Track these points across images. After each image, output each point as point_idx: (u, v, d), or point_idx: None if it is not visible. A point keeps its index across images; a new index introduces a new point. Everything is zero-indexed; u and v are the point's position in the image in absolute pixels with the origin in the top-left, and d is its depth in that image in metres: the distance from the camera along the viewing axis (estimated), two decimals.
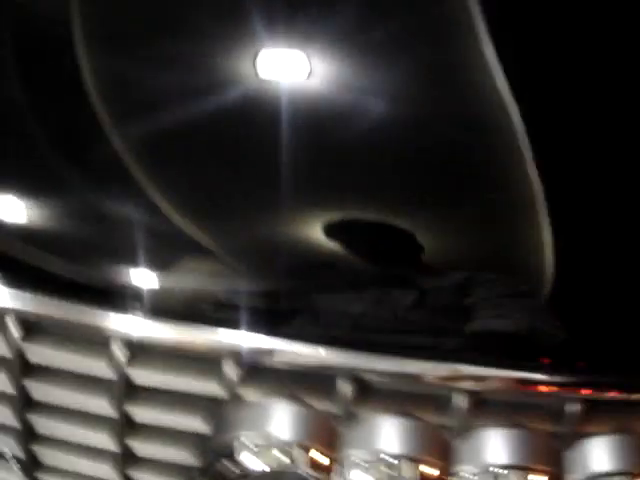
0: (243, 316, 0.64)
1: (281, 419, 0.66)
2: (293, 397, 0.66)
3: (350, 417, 0.66)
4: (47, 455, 0.77)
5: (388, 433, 0.65)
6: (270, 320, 0.65)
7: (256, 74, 0.71)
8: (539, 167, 0.67)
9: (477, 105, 0.70)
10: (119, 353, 0.67)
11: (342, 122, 0.68)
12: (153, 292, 0.65)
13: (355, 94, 0.69)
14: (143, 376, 0.69)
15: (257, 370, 0.67)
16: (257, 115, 0.68)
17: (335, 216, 0.66)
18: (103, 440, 0.73)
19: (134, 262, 0.65)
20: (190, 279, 0.65)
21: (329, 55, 0.71)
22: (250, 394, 0.67)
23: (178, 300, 0.66)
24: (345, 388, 0.65)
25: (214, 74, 0.71)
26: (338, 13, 0.72)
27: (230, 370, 0.66)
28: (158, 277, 0.65)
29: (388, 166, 0.67)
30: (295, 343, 0.65)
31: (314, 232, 0.65)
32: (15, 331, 0.68)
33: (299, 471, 0.64)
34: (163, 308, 0.66)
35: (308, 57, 0.70)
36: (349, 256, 0.65)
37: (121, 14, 0.77)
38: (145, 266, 0.65)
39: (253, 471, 0.65)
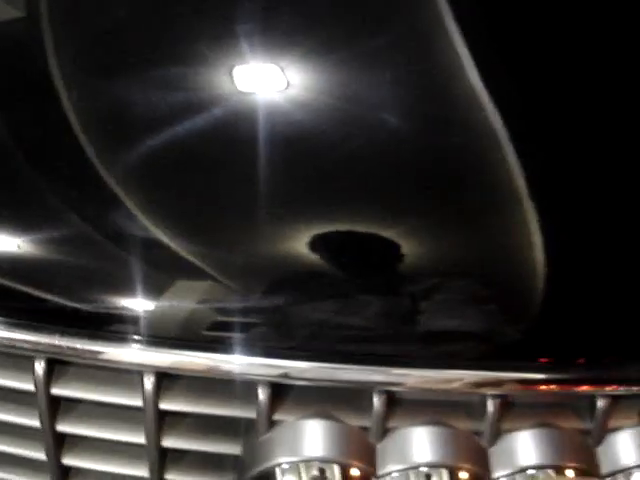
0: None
1: (316, 439, 0.62)
2: (325, 415, 0.63)
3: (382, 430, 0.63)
4: None
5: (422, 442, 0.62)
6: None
7: (234, 88, 0.71)
8: (505, 172, 0.66)
9: (453, 111, 0.70)
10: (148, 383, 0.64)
11: (318, 134, 0.68)
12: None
13: (333, 105, 0.69)
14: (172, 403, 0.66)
15: (288, 391, 0.64)
16: (235, 131, 0.68)
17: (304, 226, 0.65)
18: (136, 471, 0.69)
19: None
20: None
21: (305, 67, 0.71)
22: (282, 415, 0.64)
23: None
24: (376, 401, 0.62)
25: (192, 90, 0.70)
26: (314, 25, 0.74)
27: (261, 392, 0.63)
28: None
29: (351, 172, 0.66)
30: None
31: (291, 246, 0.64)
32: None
33: None
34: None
35: (283, 70, 0.70)
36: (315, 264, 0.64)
37: (99, 32, 0.76)
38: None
39: None
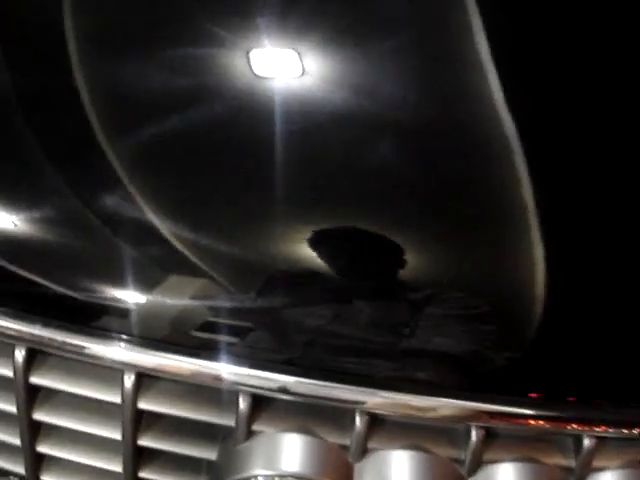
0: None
1: (294, 453, 0.61)
2: (305, 430, 0.62)
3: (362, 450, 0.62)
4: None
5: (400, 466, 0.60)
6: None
7: (251, 73, 0.68)
8: (512, 187, 0.64)
9: (468, 114, 0.67)
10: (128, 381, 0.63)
11: (326, 134, 0.66)
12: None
13: (347, 95, 0.67)
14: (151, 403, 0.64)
15: (268, 402, 0.63)
16: (242, 122, 0.66)
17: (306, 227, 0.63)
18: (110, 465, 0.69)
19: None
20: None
21: (322, 54, 0.69)
22: (261, 426, 0.63)
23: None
24: (358, 421, 0.61)
25: (207, 75, 0.69)
26: (332, 12, 0.71)
27: (242, 401, 0.61)
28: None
29: (357, 175, 0.65)
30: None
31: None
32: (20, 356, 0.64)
33: None
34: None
35: (301, 56, 0.68)
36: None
37: (114, 16, 0.74)
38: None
39: None
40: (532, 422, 0.59)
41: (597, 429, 0.60)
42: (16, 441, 0.69)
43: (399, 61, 0.69)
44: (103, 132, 0.67)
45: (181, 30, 0.72)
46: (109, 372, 0.64)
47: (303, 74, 0.68)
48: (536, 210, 0.63)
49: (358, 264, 0.62)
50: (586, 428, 0.60)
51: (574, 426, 0.60)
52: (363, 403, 0.59)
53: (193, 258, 0.62)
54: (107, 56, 0.72)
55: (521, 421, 0.59)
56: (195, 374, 0.61)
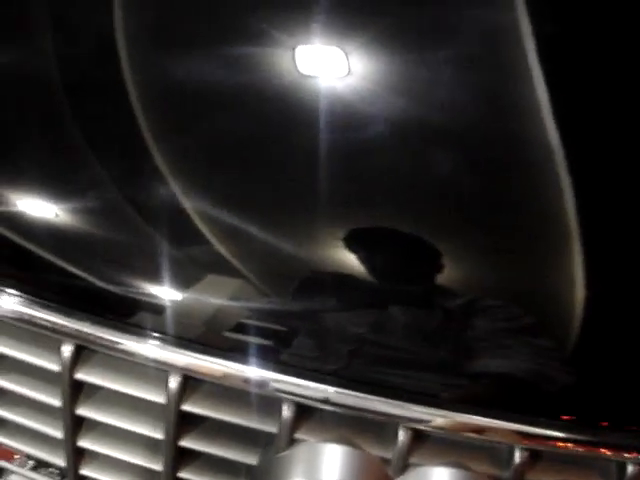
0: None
1: (335, 464, 0.60)
2: (347, 441, 0.61)
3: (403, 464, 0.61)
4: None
5: None
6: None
7: (296, 70, 0.68)
8: (575, 199, 0.63)
9: (517, 121, 0.67)
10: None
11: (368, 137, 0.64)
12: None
13: (396, 98, 0.67)
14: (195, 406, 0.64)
15: (312, 410, 0.62)
16: (285, 121, 0.66)
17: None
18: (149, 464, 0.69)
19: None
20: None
21: (368, 54, 0.68)
22: (303, 435, 0.62)
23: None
24: (401, 435, 0.60)
25: (252, 70, 0.68)
26: (379, 13, 0.70)
27: (286, 410, 0.61)
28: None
29: (403, 177, 0.64)
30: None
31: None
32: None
33: None
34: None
35: (347, 55, 0.67)
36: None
37: (165, 11, 0.75)
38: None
39: None
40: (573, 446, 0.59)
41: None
42: (58, 434, 0.70)
43: (450, 67, 0.69)
44: (150, 126, 0.67)
45: (231, 27, 0.72)
46: (154, 372, 0.64)
47: (350, 74, 0.67)
48: (586, 223, 0.62)
49: (404, 270, 0.62)
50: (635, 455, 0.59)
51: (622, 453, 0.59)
52: (408, 418, 0.59)
53: (236, 261, 0.62)
54: (156, 50, 0.73)
55: (568, 445, 0.59)
56: (236, 379, 0.61)
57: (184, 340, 0.62)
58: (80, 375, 0.66)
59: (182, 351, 0.62)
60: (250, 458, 0.65)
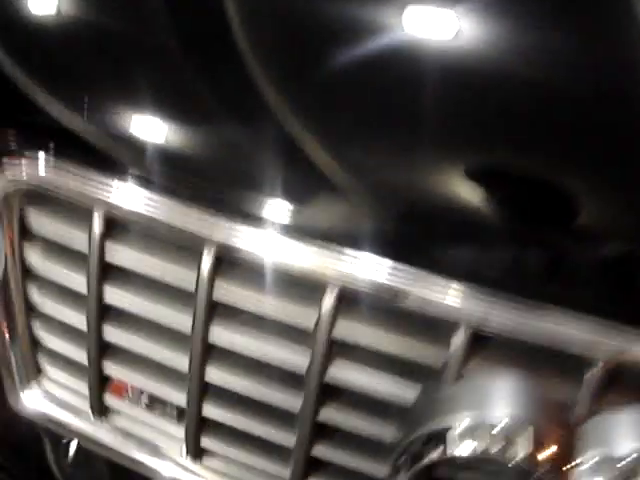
0: None
1: (503, 398, 0.54)
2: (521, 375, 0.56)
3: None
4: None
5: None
6: None
7: (402, 30, 0.65)
8: None
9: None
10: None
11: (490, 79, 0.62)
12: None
13: (503, 56, 0.63)
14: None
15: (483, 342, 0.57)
16: (401, 69, 0.63)
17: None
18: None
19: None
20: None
21: (478, 16, 0.64)
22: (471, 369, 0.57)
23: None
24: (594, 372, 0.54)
25: (360, 26, 0.65)
26: None
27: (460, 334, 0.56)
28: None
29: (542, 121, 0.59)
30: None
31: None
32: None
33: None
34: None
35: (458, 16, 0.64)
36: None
37: None
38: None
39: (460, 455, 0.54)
40: None
41: None
42: (185, 364, 0.65)
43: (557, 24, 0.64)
44: (264, 70, 0.64)
45: None
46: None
47: (460, 33, 0.63)
48: None
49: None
50: None
51: None
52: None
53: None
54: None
55: None
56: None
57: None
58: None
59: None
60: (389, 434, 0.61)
